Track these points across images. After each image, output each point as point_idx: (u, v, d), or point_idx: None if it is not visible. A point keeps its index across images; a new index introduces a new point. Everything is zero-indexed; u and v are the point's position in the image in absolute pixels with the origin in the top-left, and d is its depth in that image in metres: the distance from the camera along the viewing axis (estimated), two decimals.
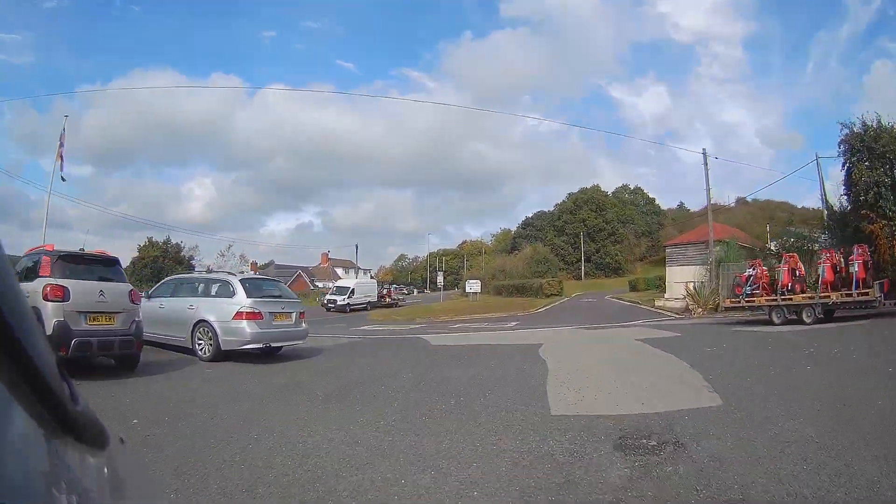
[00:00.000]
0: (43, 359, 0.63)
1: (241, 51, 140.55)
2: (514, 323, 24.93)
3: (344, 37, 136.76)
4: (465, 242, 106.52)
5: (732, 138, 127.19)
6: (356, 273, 71.07)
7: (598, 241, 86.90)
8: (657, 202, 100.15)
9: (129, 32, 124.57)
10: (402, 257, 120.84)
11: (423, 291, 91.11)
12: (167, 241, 55.83)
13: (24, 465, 0.63)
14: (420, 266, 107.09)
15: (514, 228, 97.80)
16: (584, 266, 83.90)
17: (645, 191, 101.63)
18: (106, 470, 0.86)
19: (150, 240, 55.08)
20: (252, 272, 61.22)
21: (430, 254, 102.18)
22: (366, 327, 25.00)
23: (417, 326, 24.56)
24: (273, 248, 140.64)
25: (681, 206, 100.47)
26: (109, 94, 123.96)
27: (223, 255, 59.32)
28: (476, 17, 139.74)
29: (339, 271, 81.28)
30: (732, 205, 70.16)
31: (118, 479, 0.92)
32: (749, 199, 70.26)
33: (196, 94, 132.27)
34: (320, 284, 72.75)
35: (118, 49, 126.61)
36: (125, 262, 44.40)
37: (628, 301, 40.61)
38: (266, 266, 79.94)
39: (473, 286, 48.19)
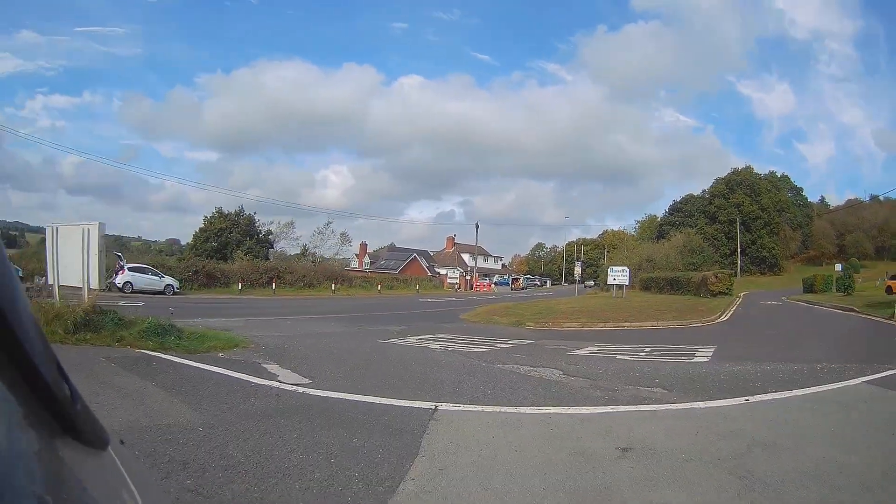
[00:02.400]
0: (43, 359, 0.65)
1: (372, 42, 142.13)
2: (706, 352, 13.34)
3: (477, 28, 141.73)
4: (605, 232, 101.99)
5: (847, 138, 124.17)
6: (482, 260, 69.61)
7: (754, 230, 75.45)
8: (803, 193, 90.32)
9: (243, 24, 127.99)
10: (539, 246, 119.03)
11: (558, 283, 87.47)
12: (239, 212, 49.05)
13: (25, 465, 0.62)
14: (558, 256, 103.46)
15: (660, 215, 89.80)
16: (740, 259, 71.57)
17: (791, 179, 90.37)
18: (106, 470, 0.87)
19: (218, 210, 48.55)
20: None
21: (569, 243, 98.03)
22: (427, 336, 15.62)
23: (510, 346, 14.71)
24: (414, 236, 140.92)
25: (822, 200, 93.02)
26: (234, 82, 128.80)
27: (321, 233, 55.98)
28: (608, 8, 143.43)
29: (466, 257, 78.83)
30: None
31: (118, 479, 0.92)
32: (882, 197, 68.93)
33: (329, 83, 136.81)
34: (442, 271, 70.48)
35: (235, 40, 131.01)
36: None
37: (832, 307, 30.36)
38: (381, 249, 79.84)
39: (618, 275, 36.80)
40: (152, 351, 10.26)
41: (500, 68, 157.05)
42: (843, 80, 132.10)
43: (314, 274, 44.99)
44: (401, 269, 69.50)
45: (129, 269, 30.18)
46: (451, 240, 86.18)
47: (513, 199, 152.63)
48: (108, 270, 30.18)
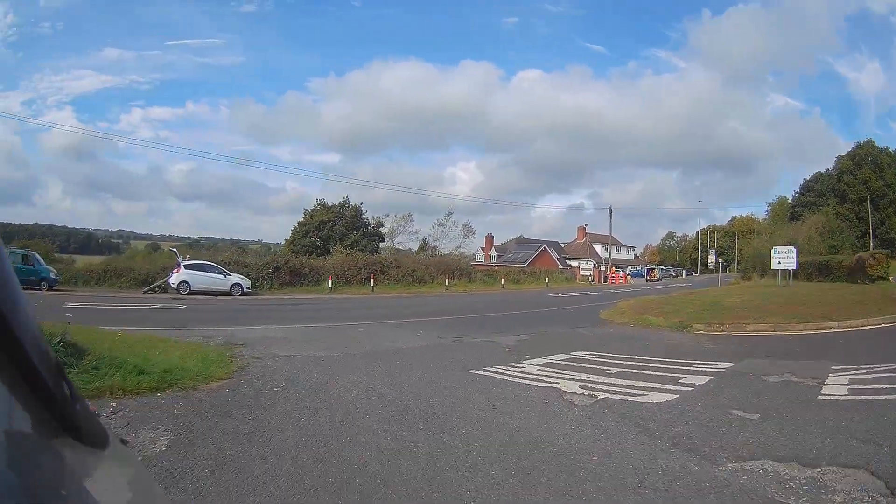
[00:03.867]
0: (43, 359, 0.66)
1: (486, 38, 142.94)
2: None
3: (586, 19, 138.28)
4: (734, 219, 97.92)
5: None
6: (615, 250, 65.35)
7: (882, 209, 65.28)
8: None
9: (349, 27, 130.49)
10: (669, 235, 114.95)
11: (692, 273, 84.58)
12: (344, 203, 44.75)
13: (25, 465, 0.63)
14: (689, 245, 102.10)
15: (779, 198, 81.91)
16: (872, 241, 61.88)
17: None
18: (106, 470, 0.86)
19: (321, 202, 44.82)
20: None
21: (700, 231, 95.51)
22: (558, 356, 8.93)
23: (708, 382, 7.91)
24: (545, 230, 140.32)
25: None
26: (349, 84, 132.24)
27: (441, 225, 52.62)
28: None
29: (598, 248, 75.34)
30: None
31: (118, 479, 0.93)
32: None
33: (448, 80, 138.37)
34: (573, 263, 67.19)
35: (344, 43, 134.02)
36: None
37: None
38: (508, 242, 78.14)
39: (784, 258, 28.43)
40: None
41: (615, 58, 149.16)
42: None
43: (425, 268, 39.38)
44: (529, 261, 65.01)
45: (186, 266, 26.12)
46: (583, 230, 79.66)
47: (639, 190, 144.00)
48: (164, 270, 26.48)
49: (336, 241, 41.07)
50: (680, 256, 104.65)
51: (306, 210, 46.53)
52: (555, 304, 25.46)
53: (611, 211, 61.37)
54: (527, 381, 7.71)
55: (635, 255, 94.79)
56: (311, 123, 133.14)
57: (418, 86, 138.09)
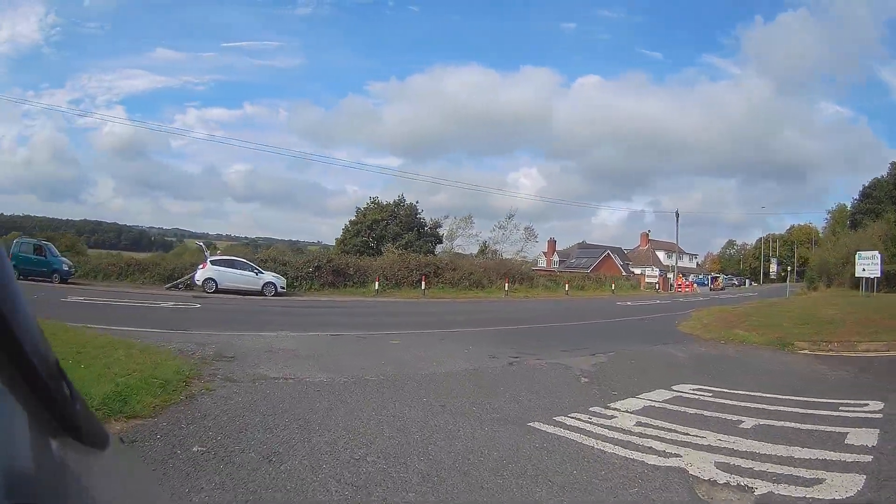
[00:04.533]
0: (43, 359, 0.65)
1: (545, 44, 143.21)
2: None
3: (643, 26, 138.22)
4: (792, 227, 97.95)
5: None
6: (679, 257, 63.46)
7: None
8: None
9: (408, 32, 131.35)
10: (730, 244, 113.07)
11: (752, 283, 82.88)
12: (399, 202, 42.47)
13: (25, 465, 0.63)
14: (749, 254, 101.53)
15: (830, 207, 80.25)
16: None
17: None
18: (106, 469, 0.86)
19: (374, 200, 43.00)
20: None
21: (761, 239, 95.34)
22: (657, 395, 5.38)
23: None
24: (606, 236, 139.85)
25: None
26: (410, 89, 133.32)
27: (502, 228, 49.64)
28: None
29: (661, 255, 75.79)
30: None
31: (118, 479, 0.93)
32: None
33: (508, 86, 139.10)
34: (636, 270, 66.73)
35: (404, 48, 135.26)
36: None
37: None
38: (571, 247, 76.41)
39: (868, 264, 25.67)
40: None
41: (672, 65, 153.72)
42: None
43: (483, 271, 36.40)
44: (592, 267, 63.46)
45: (213, 262, 24.03)
46: (646, 236, 79.32)
47: (697, 198, 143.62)
48: (193, 266, 24.57)
49: (390, 242, 38.66)
50: (737, 266, 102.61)
51: (359, 208, 44.69)
52: (626, 314, 22.52)
53: (677, 215, 57.73)
54: (628, 453, 4.58)
55: (697, 264, 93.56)
56: (371, 127, 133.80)
57: (480, 91, 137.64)
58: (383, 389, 6.66)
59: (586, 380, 8.01)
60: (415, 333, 12.67)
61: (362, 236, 41.47)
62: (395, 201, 44.11)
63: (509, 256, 48.09)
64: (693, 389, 7.34)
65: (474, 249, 48.51)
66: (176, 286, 24.40)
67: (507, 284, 34.65)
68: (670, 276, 59.99)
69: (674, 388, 7.41)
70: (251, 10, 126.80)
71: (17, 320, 0.60)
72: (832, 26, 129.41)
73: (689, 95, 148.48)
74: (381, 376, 7.46)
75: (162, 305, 16.36)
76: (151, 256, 32.25)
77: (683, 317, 19.34)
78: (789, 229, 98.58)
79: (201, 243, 27.95)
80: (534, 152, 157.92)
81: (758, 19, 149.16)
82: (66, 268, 23.88)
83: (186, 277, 24.63)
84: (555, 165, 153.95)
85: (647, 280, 59.23)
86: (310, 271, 27.71)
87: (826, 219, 79.52)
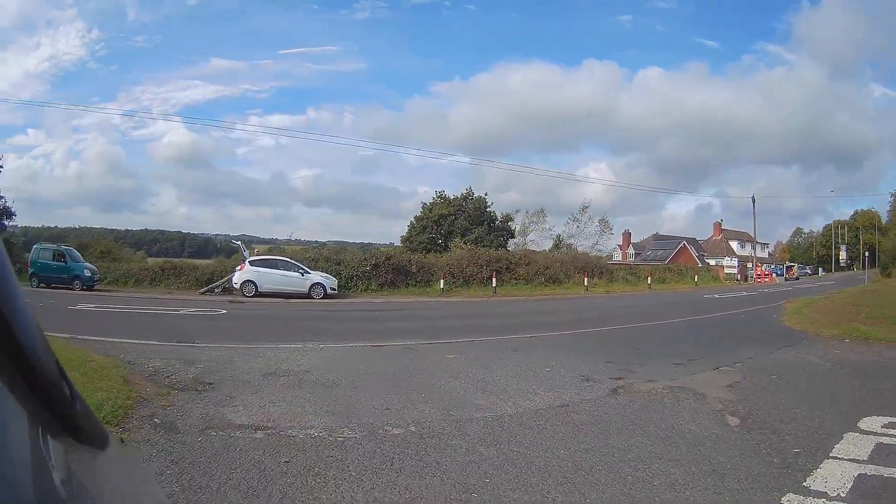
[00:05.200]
0: (43, 359, 0.64)
1: (604, 37, 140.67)
2: None
3: (695, 15, 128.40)
4: (856, 212, 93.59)
5: None
6: (752, 247, 60.13)
7: None
8: None
9: (468, 30, 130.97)
10: (797, 231, 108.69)
11: (817, 272, 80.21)
12: (467, 195, 39.84)
13: (25, 465, 0.62)
14: (817, 242, 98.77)
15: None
16: None
17: None
18: (106, 469, 0.86)
19: (440, 194, 41.48)
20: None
21: (828, 225, 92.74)
22: None
23: None
24: (675, 229, 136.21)
25: None
26: (475, 88, 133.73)
27: (576, 220, 47.02)
28: None
29: (734, 245, 72.82)
30: None
31: (118, 479, 0.92)
32: None
33: (572, 81, 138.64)
34: (712, 262, 63.40)
35: (465, 47, 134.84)
36: None
37: None
38: (645, 239, 74.94)
39: None
40: None
41: (729, 53, 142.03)
42: None
43: (560, 265, 32.82)
44: (669, 259, 61.62)
45: (253, 263, 21.23)
46: (718, 226, 76.34)
47: (761, 188, 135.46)
48: (234, 268, 22.57)
49: (458, 237, 35.93)
50: (806, 253, 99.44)
51: (424, 203, 41.89)
52: (718, 308, 19.82)
53: (754, 201, 54.43)
54: None
55: (768, 253, 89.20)
56: (437, 127, 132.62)
57: (544, 87, 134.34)
58: (407, 456, 3.86)
59: (736, 420, 5.13)
60: (480, 342, 9.80)
61: (428, 233, 38.97)
62: (462, 195, 41.31)
63: (584, 251, 44.80)
64: (888, 428, 4.72)
65: (547, 245, 45.44)
66: (211, 290, 22.24)
67: (586, 279, 31.16)
68: (749, 266, 57.66)
69: (862, 426, 4.82)
70: (307, 17, 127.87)
71: (17, 320, 0.59)
72: (876, 6, 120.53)
73: (748, 84, 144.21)
74: (414, 424, 4.67)
75: (182, 312, 14.42)
76: (210, 262, 30.82)
77: (779, 309, 17.83)
78: (853, 215, 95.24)
79: (239, 242, 25.97)
80: (601, 147, 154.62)
81: (804, 2, 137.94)
82: (87, 274, 22.26)
83: (223, 280, 22.54)
84: (622, 160, 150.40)
85: (725, 271, 56.00)
86: (366, 270, 24.59)
87: (889, 201, 76.40)
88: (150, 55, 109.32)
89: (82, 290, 21.24)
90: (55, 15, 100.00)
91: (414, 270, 26.00)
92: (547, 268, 31.49)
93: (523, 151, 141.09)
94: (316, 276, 21.28)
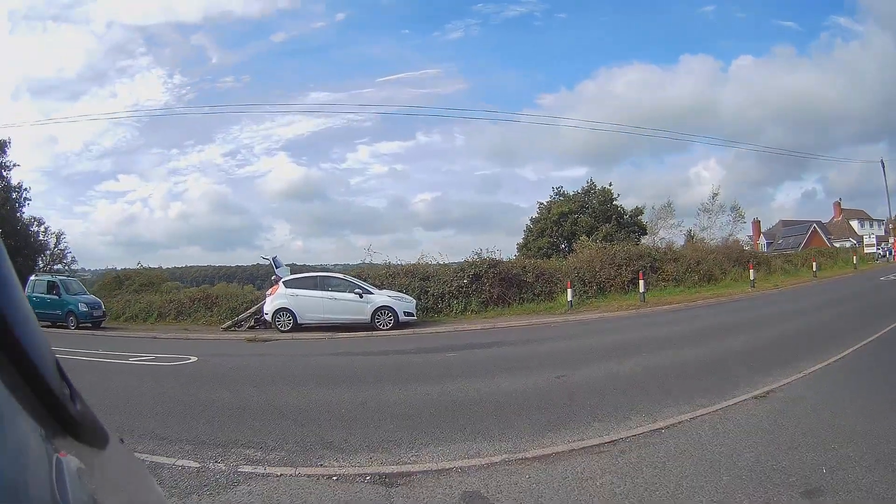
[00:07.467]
0: (43, 359, 0.65)
1: (692, 29, 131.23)
2: None
3: None
4: None
5: None
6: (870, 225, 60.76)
7: None
8: None
9: (561, 40, 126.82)
10: None
11: None
12: (589, 189, 36.49)
13: (25, 465, 0.61)
14: None
15: None
16: None
17: None
18: (106, 470, 0.85)
19: (558, 190, 37.37)
20: None
21: None
22: None
23: None
24: (792, 214, 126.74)
25: None
26: (581, 95, 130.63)
27: (707, 210, 40.41)
28: None
29: (854, 224, 71.72)
30: None
31: (118, 479, 0.92)
32: None
33: (672, 78, 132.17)
34: (837, 245, 60.18)
35: (563, 55, 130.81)
36: None
37: None
38: (773, 227, 74.76)
39: None
40: None
41: (807, 32, 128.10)
42: None
43: (714, 258, 25.97)
44: (802, 245, 60.86)
45: (288, 283, 15.84)
46: (838, 205, 74.38)
47: (857, 167, 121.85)
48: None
49: (583, 237, 30.14)
50: None
51: (541, 203, 36.17)
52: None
53: (883, 164, 51.19)
54: None
55: (885, 230, 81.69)
56: (550, 139, 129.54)
57: (646, 87, 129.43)
58: None
59: None
60: (689, 422, 4.22)
61: (547, 236, 33.37)
62: (584, 189, 35.47)
63: (717, 243, 37.66)
64: None
65: (678, 241, 38.59)
66: (238, 324, 17.55)
67: (752, 272, 24.14)
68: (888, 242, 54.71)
69: None
70: (400, 44, 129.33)
71: (17, 320, 0.58)
72: None
73: (830, 62, 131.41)
74: None
75: (130, 362, 9.73)
76: (250, 287, 26.78)
77: None
78: None
79: (270, 258, 20.26)
80: (709, 142, 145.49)
81: None
82: (84, 308, 18.55)
83: (252, 310, 17.76)
84: (730, 153, 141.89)
85: (865, 250, 51.03)
86: (463, 284, 18.63)
87: None
88: (240, 93, 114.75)
89: (79, 327, 17.98)
90: (126, 64, 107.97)
91: (530, 280, 19.69)
92: (699, 262, 24.64)
93: (636, 157, 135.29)
94: (381, 297, 15.57)
